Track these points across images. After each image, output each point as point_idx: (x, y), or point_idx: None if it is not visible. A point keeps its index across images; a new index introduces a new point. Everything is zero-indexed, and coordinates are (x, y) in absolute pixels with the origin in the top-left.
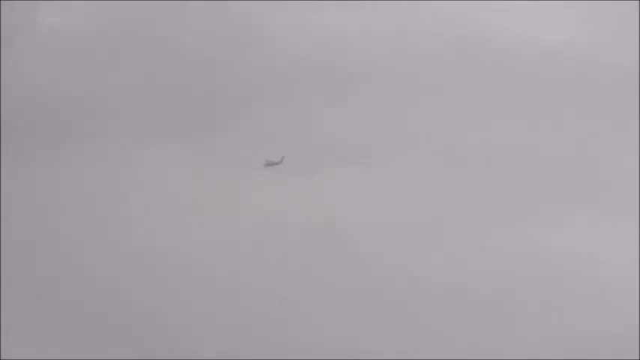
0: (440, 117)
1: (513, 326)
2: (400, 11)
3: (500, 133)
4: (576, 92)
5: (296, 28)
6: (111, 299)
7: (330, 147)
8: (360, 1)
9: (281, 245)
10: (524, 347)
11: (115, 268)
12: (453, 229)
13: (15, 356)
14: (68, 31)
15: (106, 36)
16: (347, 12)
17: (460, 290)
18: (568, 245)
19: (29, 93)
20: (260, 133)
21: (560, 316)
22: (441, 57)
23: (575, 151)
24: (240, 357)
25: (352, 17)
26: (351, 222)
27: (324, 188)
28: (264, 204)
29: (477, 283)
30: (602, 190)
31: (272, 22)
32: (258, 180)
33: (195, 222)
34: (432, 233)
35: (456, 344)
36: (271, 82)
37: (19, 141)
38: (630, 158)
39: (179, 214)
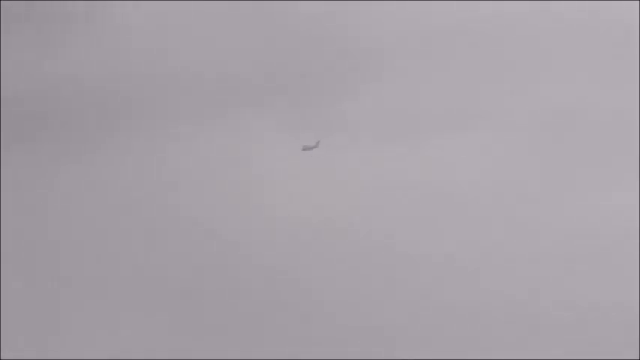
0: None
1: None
2: None
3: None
4: None
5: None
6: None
7: (431, 114)
8: None
9: (390, 211)
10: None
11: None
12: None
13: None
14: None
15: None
16: None
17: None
18: None
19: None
20: (365, 104)
21: None
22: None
23: None
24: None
25: None
26: (459, 186)
27: (427, 154)
28: (367, 171)
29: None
30: None
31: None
32: (362, 147)
33: (300, 188)
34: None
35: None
36: (373, 55)
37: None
38: None
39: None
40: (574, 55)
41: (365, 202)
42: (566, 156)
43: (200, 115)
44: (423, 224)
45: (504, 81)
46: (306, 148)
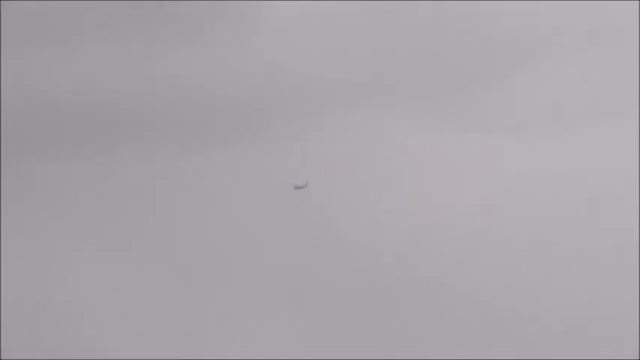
0: None
1: None
2: None
3: None
4: None
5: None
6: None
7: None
8: None
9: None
10: None
11: None
12: None
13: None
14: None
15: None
16: None
17: None
18: None
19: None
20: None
21: None
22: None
23: None
24: None
25: None
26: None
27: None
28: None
29: None
30: None
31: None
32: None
33: (432, 187)
34: None
35: None
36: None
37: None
38: None
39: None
40: None
41: (514, 192)
42: None
43: (346, 112)
44: (575, 217)
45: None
46: (297, 187)
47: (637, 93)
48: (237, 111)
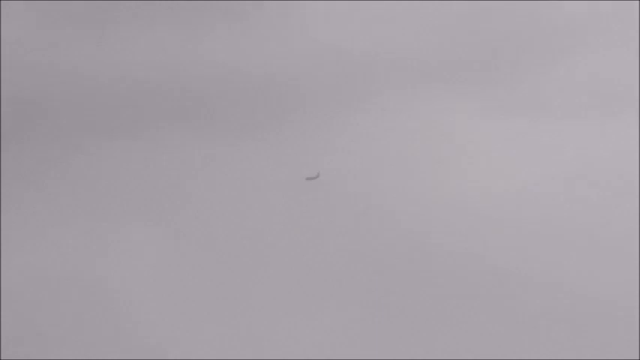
0: None
1: None
2: None
3: None
4: None
5: None
6: None
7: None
8: None
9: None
10: None
11: None
12: None
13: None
14: None
15: None
16: None
17: None
18: None
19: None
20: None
21: None
22: None
23: None
24: None
25: None
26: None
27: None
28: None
29: None
30: None
31: None
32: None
33: (492, 164)
34: None
35: None
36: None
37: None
38: None
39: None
40: None
41: (556, 178)
42: None
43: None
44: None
45: None
46: (309, 179)
47: None
48: (289, 91)
